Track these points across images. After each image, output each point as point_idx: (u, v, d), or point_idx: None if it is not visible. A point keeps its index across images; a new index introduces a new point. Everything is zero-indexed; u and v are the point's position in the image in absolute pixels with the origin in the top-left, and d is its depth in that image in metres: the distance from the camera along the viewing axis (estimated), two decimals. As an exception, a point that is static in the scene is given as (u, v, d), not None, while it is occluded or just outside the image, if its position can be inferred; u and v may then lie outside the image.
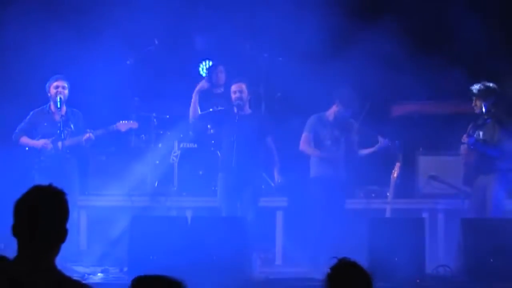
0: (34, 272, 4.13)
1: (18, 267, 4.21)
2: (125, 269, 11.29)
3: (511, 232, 10.86)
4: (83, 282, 4.31)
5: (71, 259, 11.09)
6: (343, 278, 4.86)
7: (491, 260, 10.67)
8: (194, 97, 11.79)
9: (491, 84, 11.92)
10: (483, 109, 11.88)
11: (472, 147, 11.85)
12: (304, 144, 12.13)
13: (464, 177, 12.37)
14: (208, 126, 13.02)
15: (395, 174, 12.57)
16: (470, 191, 12.14)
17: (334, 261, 4.97)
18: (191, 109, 11.84)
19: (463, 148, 12.01)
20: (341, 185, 12.04)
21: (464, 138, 11.91)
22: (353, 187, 12.90)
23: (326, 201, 11.91)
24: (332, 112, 12.09)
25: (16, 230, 4.20)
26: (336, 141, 12.06)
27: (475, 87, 11.94)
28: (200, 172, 12.93)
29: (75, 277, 4.29)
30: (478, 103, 11.98)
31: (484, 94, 11.93)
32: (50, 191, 4.24)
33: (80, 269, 11.28)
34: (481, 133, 11.90)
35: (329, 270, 4.95)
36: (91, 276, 10.98)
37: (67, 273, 4.28)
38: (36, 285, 4.10)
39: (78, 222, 12.18)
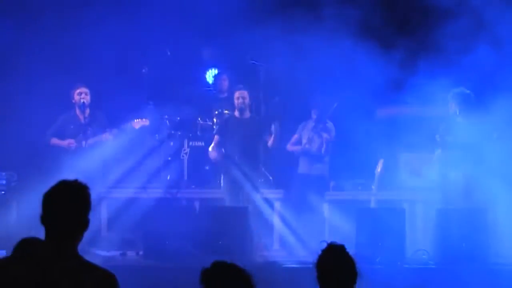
0: (58, 257, 4.12)
1: (43, 253, 4.23)
2: (141, 252, 11.32)
3: (478, 220, 10.90)
4: (101, 266, 4.30)
5: (93, 244, 11.12)
6: (331, 259, 4.90)
7: (463, 245, 10.69)
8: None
9: (465, 90, 11.99)
10: (457, 111, 11.94)
11: (445, 146, 11.96)
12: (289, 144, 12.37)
13: (439, 172, 12.42)
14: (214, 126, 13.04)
15: (379, 169, 12.59)
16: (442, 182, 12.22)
17: (325, 244, 5.01)
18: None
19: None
20: (319, 179, 12.15)
21: (437, 137, 12.01)
22: (342, 180, 12.92)
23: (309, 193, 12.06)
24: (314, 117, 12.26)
25: (44, 219, 4.21)
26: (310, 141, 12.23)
27: (453, 91, 12.01)
28: (207, 167, 12.92)
29: (97, 260, 4.26)
30: (453, 105, 12.03)
31: (458, 98, 12.00)
32: (75, 185, 4.24)
33: (101, 252, 11.30)
34: (453, 132, 11.99)
35: (319, 253, 4.99)
36: (110, 259, 11.00)
37: (90, 257, 4.28)
38: (59, 269, 4.09)
39: (100, 211, 12.20)
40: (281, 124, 12.24)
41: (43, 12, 12.81)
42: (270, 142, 12.02)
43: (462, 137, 11.81)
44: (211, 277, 4.68)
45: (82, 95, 11.90)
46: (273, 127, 12.11)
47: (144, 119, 12.41)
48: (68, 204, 4.18)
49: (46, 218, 4.20)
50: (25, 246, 6.07)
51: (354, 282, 4.84)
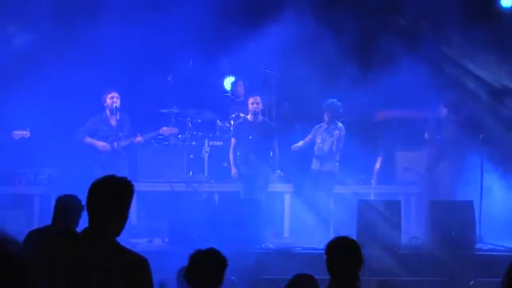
0: (94, 242, 4.16)
1: (83, 237, 4.26)
2: (166, 239, 11.36)
3: (467, 211, 10.90)
4: (134, 250, 4.34)
5: (125, 232, 11.15)
6: (342, 248, 4.93)
7: (453, 233, 10.68)
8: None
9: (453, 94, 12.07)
10: (445, 114, 12.01)
11: (434, 143, 12.02)
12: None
13: (426, 166, 12.46)
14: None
15: (377, 166, 12.61)
16: (430, 176, 12.24)
17: (332, 236, 5.04)
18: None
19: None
20: (329, 175, 12.16)
21: (426, 135, 12.07)
22: (345, 176, 12.93)
23: (318, 187, 12.07)
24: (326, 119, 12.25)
25: (87, 207, 4.25)
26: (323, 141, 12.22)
27: (443, 97, 12.08)
28: (225, 164, 12.93)
29: (127, 246, 4.29)
30: (443, 109, 12.07)
31: (448, 102, 12.05)
32: (122, 180, 4.27)
33: (132, 239, 11.34)
34: (441, 132, 12.03)
35: (331, 241, 5.02)
36: (139, 245, 11.04)
37: (123, 243, 4.32)
38: (94, 253, 4.13)
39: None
40: (279, 143, 12.34)
41: (77, 20, 12.81)
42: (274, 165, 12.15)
43: (449, 135, 11.90)
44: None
45: (114, 99, 11.88)
46: (275, 143, 12.20)
47: (173, 128, 12.44)
48: (112, 196, 4.21)
49: (89, 205, 4.23)
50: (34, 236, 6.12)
51: (359, 270, 4.88)
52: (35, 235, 6.32)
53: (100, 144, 11.86)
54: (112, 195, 4.21)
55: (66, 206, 6.29)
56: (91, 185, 4.24)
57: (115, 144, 11.80)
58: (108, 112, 11.95)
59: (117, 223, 4.23)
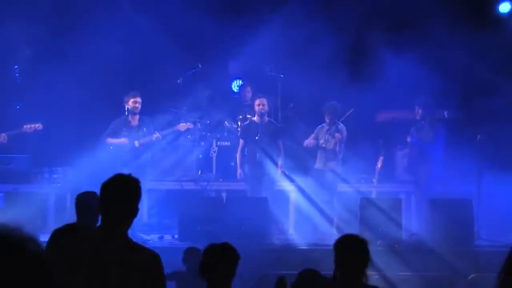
0: (108, 238, 4.17)
1: (96, 234, 4.29)
2: (176, 236, 11.37)
3: (466, 209, 10.90)
4: (147, 247, 4.36)
5: (136, 228, 11.18)
6: (352, 246, 4.95)
7: (452, 230, 10.68)
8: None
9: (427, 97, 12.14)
10: (422, 115, 12.06)
11: (414, 145, 12.05)
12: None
13: (408, 167, 12.50)
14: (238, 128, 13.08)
15: (379, 165, 12.60)
16: (413, 177, 12.30)
17: (336, 232, 5.06)
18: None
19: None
20: (332, 174, 12.18)
21: (408, 138, 12.11)
22: (347, 175, 12.94)
23: (322, 185, 12.10)
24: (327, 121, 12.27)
25: (100, 206, 4.27)
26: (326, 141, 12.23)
27: (419, 99, 12.12)
28: (232, 164, 12.96)
29: (139, 242, 4.31)
30: (419, 111, 12.14)
31: (423, 103, 12.11)
32: (128, 178, 4.29)
33: (143, 236, 11.36)
34: (420, 133, 12.06)
35: (339, 238, 5.04)
36: (150, 241, 11.06)
37: (135, 239, 4.34)
38: (109, 249, 4.15)
39: (142, 201, 12.23)
40: (284, 143, 12.36)
41: (100, 26, 12.86)
42: (279, 163, 12.14)
43: (427, 136, 11.98)
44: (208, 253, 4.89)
45: (136, 103, 11.95)
46: (280, 142, 12.20)
47: (188, 123, 12.46)
48: (121, 194, 4.23)
49: (102, 204, 4.25)
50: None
51: (366, 266, 4.90)
52: (62, 233, 6.32)
53: (121, 140, 11.91)
54: (123, 193, 4.24)
55: (87, 203, 6.31)
56: (102, 185, 4.26)
57: (136, 142, 11.85)
58: (129, 114, 12.00)
59: (129, 219, 4.25)
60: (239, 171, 12.24)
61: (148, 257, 4.19)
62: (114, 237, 4.18)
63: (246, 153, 12.26)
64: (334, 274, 4.95)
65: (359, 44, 13.63)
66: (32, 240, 1.77)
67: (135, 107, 11.87)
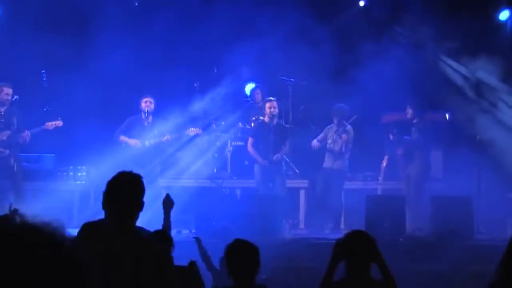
0: (119, 233, 4.17)
1: (107, 229, 4.25)
2: (193, 230, 11.38)
3: (466, 206, 10.88)
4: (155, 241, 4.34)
5: (156, 224, 11.20)
6: (359, 241, 4.94)
7: (452, 225, 10.66)
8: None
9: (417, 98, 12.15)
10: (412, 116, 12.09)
11: (407, 144, 12.12)
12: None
13: (400, 165, 12.50)
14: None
15: (384, 163, 12.62)
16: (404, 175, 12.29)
17: (343, 227, 5.04)
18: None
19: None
20: (339, 172, 12.19)
21: (390, 137, 12.10)
22: (354, 173, 12.94)
23: (330, 183, 12.10)
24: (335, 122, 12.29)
25: (106, 202, 4.24)
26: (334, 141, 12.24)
27: (410, 99, 12.13)
28: (246, 162, 12.98)
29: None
30: (410, 111, 12.14)
31: (413, 104, 12.12)
32: (131, 174, 4.29)
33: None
34: (411, 132, 12.11)
35: (346, 233, 5.03)
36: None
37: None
38: (121, 243, 4.15)
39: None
40: (296, 144, 12.39)
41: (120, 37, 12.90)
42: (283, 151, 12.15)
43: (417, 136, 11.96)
44: (231, 250, 4.89)
45: (147, 103, 12.06)
46: (287, 142, 12.22)
47: (198, 129, 12.51)
48: (127, 190, 4.23)
49: (109, 201, 4.24)
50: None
51: (372, 261, 4.89)
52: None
53: (132, 141, 11.99)
54: (127, 189, 4.24)
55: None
56: (108, 183, 4.26)
57: (147, 142, 11.91)
58: (142, 114, 12.10)
59: (134, 214, 4.25)
60: (260, 159, 12.14)
61: (160, 251, 4.22)
62: (121, 232, 4.19)
63: (258, 151, 12.25)
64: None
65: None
66: (69, 239, 1.71)
67: (147, 107, 11.96)
